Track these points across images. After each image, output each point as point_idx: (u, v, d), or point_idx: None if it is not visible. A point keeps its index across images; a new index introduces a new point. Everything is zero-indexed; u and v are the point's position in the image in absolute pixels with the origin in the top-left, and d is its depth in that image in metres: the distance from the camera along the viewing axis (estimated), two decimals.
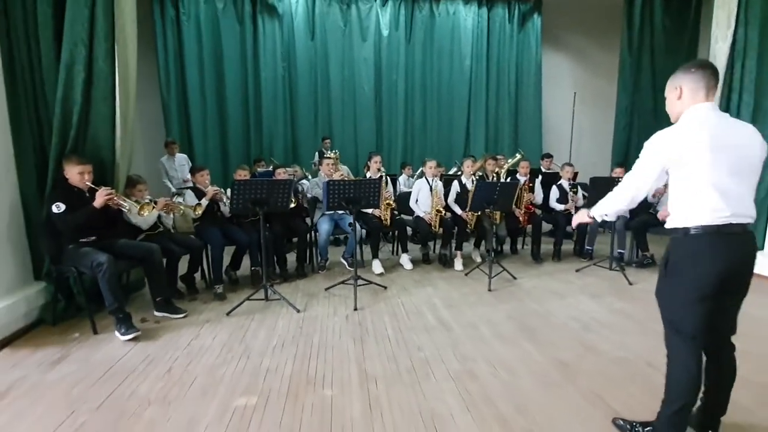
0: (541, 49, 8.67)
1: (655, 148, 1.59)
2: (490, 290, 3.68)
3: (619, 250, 4.58)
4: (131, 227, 3.33)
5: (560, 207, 4.84)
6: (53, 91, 2.95)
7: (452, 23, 8.32)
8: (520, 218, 4.72)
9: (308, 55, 7.94)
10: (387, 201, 4.43)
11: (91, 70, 2.98)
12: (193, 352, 2.59)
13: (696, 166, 1.51)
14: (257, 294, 3.35)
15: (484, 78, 8.54)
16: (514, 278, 4.02)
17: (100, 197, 2.85)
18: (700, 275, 1.54)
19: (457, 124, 8.66)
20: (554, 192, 4.93)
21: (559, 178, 5.00)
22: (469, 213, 4.47)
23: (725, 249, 1.53)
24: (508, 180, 4.77)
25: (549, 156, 6.47)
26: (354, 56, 8.06)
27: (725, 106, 4.11)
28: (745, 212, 1.54)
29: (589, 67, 8.96)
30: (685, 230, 1.57)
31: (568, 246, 5.01)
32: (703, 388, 1.70)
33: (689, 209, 1.56)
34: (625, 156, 6.37)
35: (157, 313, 3.11)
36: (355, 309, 3.24)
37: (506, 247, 5.23)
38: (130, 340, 2.70)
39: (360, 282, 3.63)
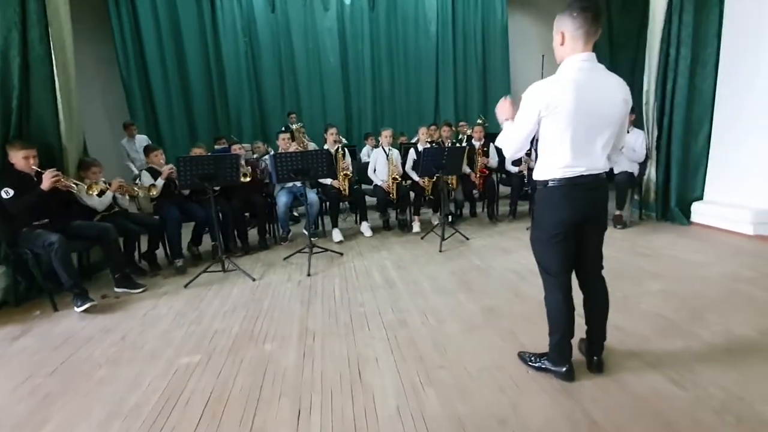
0: (507, 12, 8.61)
1: (530, 98, 1.68)
2: (441, 251, 3.88)
3: None
4: (87, 209, 3.42)
5: (515, 169, 5.00)
6: None
7: None
8: (476, 182, 4.88)
9: (270, 28, 7.83)
10: (345, 172, 4.55)
11: (26, 55, 3.00)
12: (148, 321, 2.76)
13: (558, 119, 1.64)
14: (215, 266, 3.51)
15: (451, 43, 8.52)
16: (467, 239, 4.22)
17: (47, 180, 2.93)
18: (556, 222, 1.74)
19: (426, 91, 8.69)
20: None
21: None
22: (425, 179, 4.62)
23: (577, 198, 1.72)
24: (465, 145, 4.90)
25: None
26: (317, 27, 7.96)
27: (663, 61, 4.24)
28: (597, 166, 1.71)
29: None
30: (544, 182, 1.74)
31: (525, 207, 5.21)
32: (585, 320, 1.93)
33: (548, 162, 1.72)
34: None
35: (117, 290, 3.26)
36: (308, 275, 3.42)
37: (467, 211, 5.42)
38: (85, 311, 2.86)
39: (316, 250, 3.81)
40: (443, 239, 4.03)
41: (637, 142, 4.46)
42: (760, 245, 3.61)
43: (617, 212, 4.42)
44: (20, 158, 2.95)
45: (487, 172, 4.89)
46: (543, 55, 8.72)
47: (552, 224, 1.76)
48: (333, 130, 4.68)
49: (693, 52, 4.08)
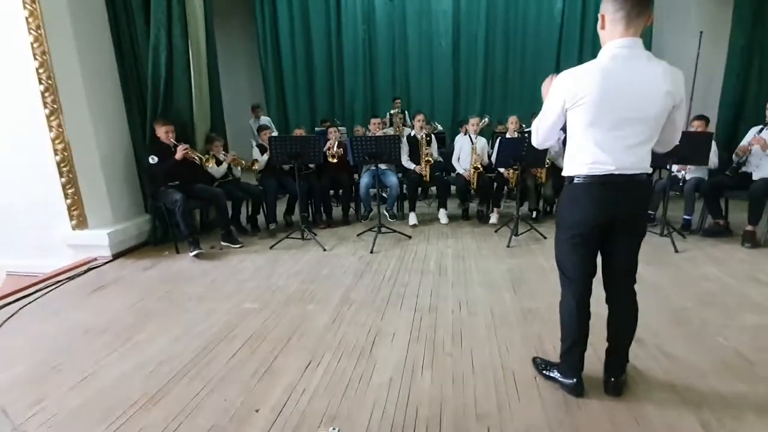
0: None
1: (557, 86, 1.56)
2: (508, 246, 3.74)
3: (685, 216, 4.08)
4: (208, 175, 4.21)
5: None
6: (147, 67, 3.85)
7: None
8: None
9: (387, 16, 8.14)
10: (427, 158, 4.64)
11: (171, 49, 3.80)
12: (234, 270, 3.36)
13: (584, 110, 1.51)
14: (296, 234, 4.01)
15: (579, 22, 7.71)
16: (544, 237, 3.96)
17: (180, 151, 3.72)
18: (577, 222, 1.60)
19: (543, 77, 7.90)
20: None
21: None
22: (510, 170, 4.43)
23: (602, 199, 1.56)
24: None
25: None
26: (432, 10, 7.99)
27: None
28: (631, 165, 1.51)
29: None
30: (570, 179, 1.61)
31: None
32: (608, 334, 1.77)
33: (574, 157, 1.59)
34: (737, 110, 5.31)
35: (222, 243, 3.98)
36: (371, 252, 3.68)
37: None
38: (195, 256, 3.60)
39: (385, 230, 4.04)
40: (515, 234, 3.87)
41: None
42: None
43: (749, 227, 3.62)
44: (162, 132, 3.79)
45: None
46: (701, 32, 7.35)
47: (573, 224, 1.64)
48: (420, 117, 4.78)
49: None
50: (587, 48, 7.76)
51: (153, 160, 3.75)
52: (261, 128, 4.64)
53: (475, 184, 4.53)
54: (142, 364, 2.12)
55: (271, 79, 8.54)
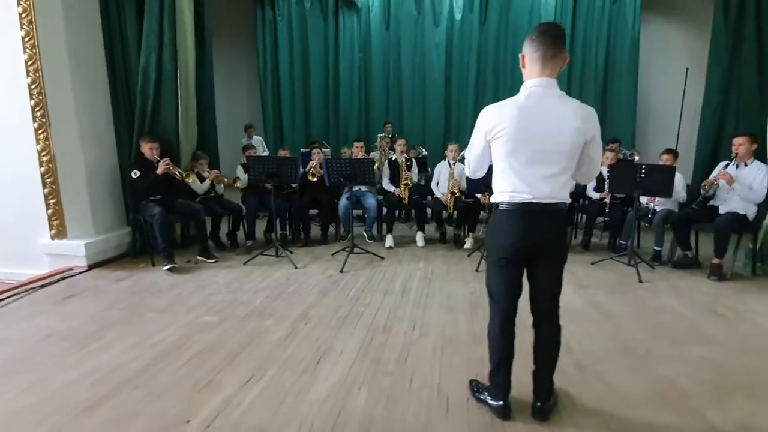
0: (640, 21, 7.65)
1: (479, 120, 1.69)
2: (477, 270, 3.79)
3: (655, 247, 4.13)
4: (191, 191, 4.34)
5: (596, 195, 4.53)
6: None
7: (531, 1, 7.90)
8: None
9: (383, 45, 8.44)
10: (406, 181, 4.76)
11: (160, 72, 3.99)
12: (203, 284, 3.42)
13: (502, 143, 1.62)
14: (271, 251, 4.09)
15: None
16: None
17: (161, 167, 3.86)
18: (501, 246, 1.68)
19: None
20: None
21: None
22: (485, 196, 4.53)
23: (523, 225, 1.64)
24: None
25: (615, 141, 5.87)
26: (425, 43, 8.30)
27: None
28: (548, 195, 1.60)
29: (708, 35, 7.60)
30: (495, 205, 1.70)
31: (604, 240, 4.66)
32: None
33: (498, 187, 1.68)
34: (715, 144, 5.43)
35: (198, 257, 4.07)
36: (341, 271, 3.74)
37: None
38: (168, 269, 3.67)
39: (358, 251, 4.11)
40: (485, 258, 3.92)
41: (756, 179, 3.63)
42: None
43: (715, 260, 3.66)
44: (147, 149, 3.94)
45: None
46: (687, 68, 7.52)
47: (498, 248, 1.72)
48: (401, 142, 4.94)
49: None
50: (575, 82, 8.01)
51: (135, 174, 3.89)
52: (246, 147, 4.79)
53: (451, 208, 4.62)
54: (93, 371, 2.17)
55: (269, 102, 8.82)
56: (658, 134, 7.75)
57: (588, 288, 3.39)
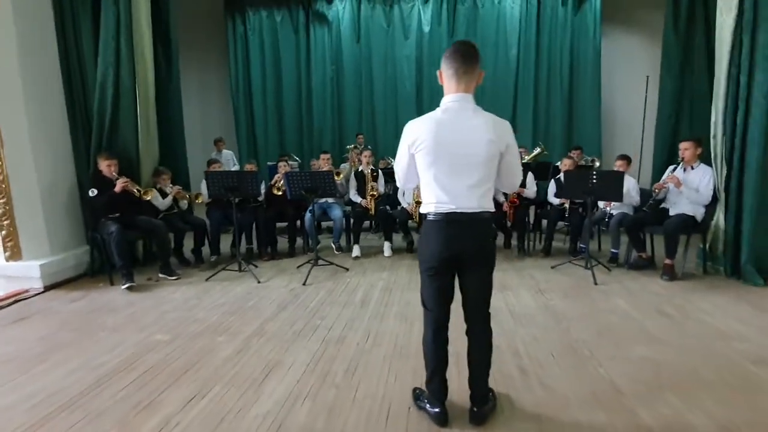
0: (601, 32, 7.94)
1: (403, 134, 1.75)
2: None
3: (612, 250, 4.25)
4: (153, 208, 4.29)
5: (557, 201, 4.64)
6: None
7: (497, 13, 8.16)
8: (506, 212, 4.66)
9: (354, 57, 8.53)
10: (372, 192, 4.80)
11: (118, 87, 3.97)
12: (160, 302, 3.38)
13: (423, 156, 1.67)
14: (234, 266, 4.06)
15: (533, 68, 8.18)
16: None
17: (118, 184, 3.82)
18: (430, 255, 1.72)
19: (501, 116, 8.12)
20: (551, 186, 4.75)
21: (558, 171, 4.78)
22: None
23: (449, 234, 1.69)
24: None
25: (578, 148, 6.03)
26: (396, 54, 8.42)
27: (733, 89, 3.53)
28: (469, 204, 1.66)
29: None
30: (425, 216, 1.75)
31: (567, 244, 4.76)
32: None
33: (425, 198, 1.73)
34: (671, 149, 5.61)
35: (160, 275, 4.01)
36: (304, 284, 3.74)
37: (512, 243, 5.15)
38: (127, 288, 3.61)
39: (322, 263, 4.11)
40: None
41: (702, 182, 3.78)
42: None
43: (667, 261, 3.78)
44: (105, 166, 3.89)
45: (517, 201, 4.62)
46: (648, 77, 7.81)
47: (427, 257, 1.76)
48: (367, 153, 4.99)
49: None
50: (542, 89, 8.24)
51: (93, 192, 3.83)
52: (210, 162, 4.77)
53: (417, 217, 4.67)
54: (32, 395, 2.12)
55: (241, 114, 8.81)
56: (624, 140, 7.97)
57: (545, 292, 3.46)
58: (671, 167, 4.05)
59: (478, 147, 1.63)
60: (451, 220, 1.68)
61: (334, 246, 4.92)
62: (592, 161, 5.84)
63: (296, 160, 6.24)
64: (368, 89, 8.61)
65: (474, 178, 1.65)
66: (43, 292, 3.66)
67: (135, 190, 3.92)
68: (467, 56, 1.64)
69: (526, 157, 6.11)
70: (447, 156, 1.64)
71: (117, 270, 3.73)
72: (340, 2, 8.37)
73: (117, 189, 3.81)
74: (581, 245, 4.47)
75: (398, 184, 1.90)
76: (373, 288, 3.63)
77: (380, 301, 3.33)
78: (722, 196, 3.71)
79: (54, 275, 3.80)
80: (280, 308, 3.21)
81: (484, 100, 8.47)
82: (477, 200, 1.67)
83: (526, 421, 1.86)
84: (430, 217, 1.73)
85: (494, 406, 1.90)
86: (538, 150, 5.88)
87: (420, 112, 8.51)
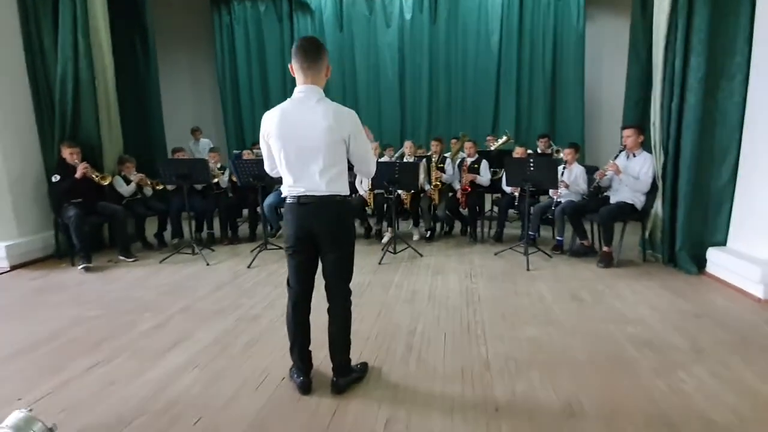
0: (585, 16, 7.77)
1: (261, 124, 1.87)
2: (380, 263, 3.96)
3: (557, 237, 4.29)
4: (116, 194, 4.52)
5: (509, 189, 4.69)
6: None
7: (479, 0, 8.02)
8: (459, 198, 4.73)
9: (337, 46, 8.55)
10: None
11: (77, 80, 4.18)
12: (108, 282, 3.61)
13: (273, 143, 1.79)
14: (188, 249, 4.28)
15: (515, 54, 8.08)
16: (420, 255, 4.18)
17: (79, 170, 4.04)
18: (288, 236, 1.87)
19: (484, 104, 8.40)
20: (504, 174, 4.78)
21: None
22: (403, 192, 4.69)
23: (301, 216, 1.82)
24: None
25: (545, 136, 6.01)
26: (378, 42, 8.42)
27: (670, 73, 3.51)
28: (317, 188, 1.78)
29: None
30: (285, 199, 1.87)
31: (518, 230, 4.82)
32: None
33: (283, 182, 1.85)
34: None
35: (119, 257, 4.25)
36: (249, 267, 3.92)
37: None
38: (84, 268, 3.86)
39: (271, 247, 4.29)
40: (388, 251, 4.11)
41: (642, 169, 3.78)
42: (761, 312, 2.78)
43: (605, 248, 3.82)
44: (67, 153, 4.12)
45: (469, 189, 4.67)
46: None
47: (287, 237, 1.90)
48: None
49: (709, 62, 3.30)
50: (524, 76, 8.14)
51: (55, 178, 4.08)
52: (174, 150, 4.97)
53: (371, 204, 4.79)
54: None
55: (228, 104, 8.98)
56: (609, 126, 7.84)
57: (474, 276, 3.56)
58: (616, 154, 4.04)
59: (318, 133, 1.73)
60: (302, 203, 1.81)
61: None
62: (557, 151, 5.81)
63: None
64: (351, 77, 8.66)
65: (320, 163, 1.76)
66: (8, 271, 3.94)
67: (93, 176, 4.14)
68: (309, 52, 1.75)
69: (493, 145, 6.13)
70: (293, 143, 1.76)
71: (76, 252, 3.98)
72: None
73: (78, 175, 4.04)
74: (530, 232, 4.51)
75: (266, 169, 2.02)
76: None
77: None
78: (660, 183, 3.71)
79: (21, 256, 4.08)
80: (216, 288, 3.40)
81: (467, 87, 8.46)
82: (326, 184, 1.78)
83: (385, 389, 1.99)
84: (288, 200, 1.86)
85: (359, 378, 2.04)
86: (504, 138, 5.88)
87: (402, 99, 8.63)
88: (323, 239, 1.85)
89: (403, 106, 8.63)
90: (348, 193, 1.88)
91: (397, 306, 2.99)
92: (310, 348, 2.01)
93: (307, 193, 1.80)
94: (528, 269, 3.67)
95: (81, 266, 3.88)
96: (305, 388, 1.95)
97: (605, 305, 2.93)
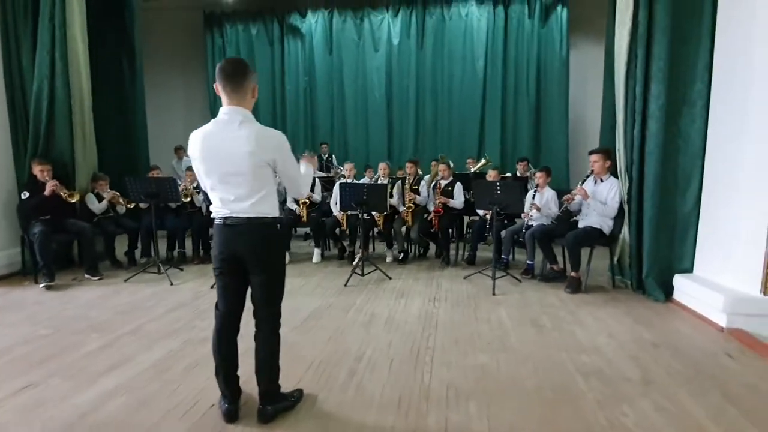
0: (568, 43, 7.93)
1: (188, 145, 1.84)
2: (345, 285, 3.91)
3: (528, 261, 4.24)
4: (87, 211, 4.50)
5: (482, 212, 4.67)
6: None
7: (464, 25, 8.26)
8: (433, 222, 4.71)
9: (326, 69, 8.74)
10: (303, 200, 4.92)
11: (53, 98, 4.23)
12: (66, 301, 3.55)
13: (199, 168, 1.78)
14: (153, 268, 4.23)
15: (500, 78, 8.22)
16: (389, 278, 4.13)
17: (48, 188, 4.04)
18: (214, 256, 1.83)
19: (470, 127, 8.49)
20: None
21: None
22: (376, 213, 4.68)
23: (226, 238, 1.80)
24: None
25: (524, 159, 6.03)
26: (366, 66, 8.59)
27: (631, 100, 3.55)
28: (241, 210, 1.76)
29: None
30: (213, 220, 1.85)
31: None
32: None
33: (212, 203, 1.84)
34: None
35: (85, 275, 4.21)
36: (212, 287, 3.85)
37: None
38: (45, 287, 3.82)
39: None
40: (355, 274, 4.06)
41: (610, 194, 3.77)
42: (722, 342, 2.72)
43: (572, 273, 3.77)
44: (38, 170, 4.13)
45: (441, 211, 4.65)
46: None
47: (214, 258, 1.87)
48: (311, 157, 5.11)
49: (669, 89, 3.33)
50: (509, 101, 8.25)
51: (24, 195, 4.08)
52: (151, 168, 4.98)
53: (345, 225, 4.76)
54: None
55: None
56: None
57: (438, 301, 3.50)
58: (584, 179, 4.03)
59: (239, 158, 1.71)
60: (227, 224, 1.79)
61: None
62: (533, 174, 5.82)
63: None
64: (340, 99, 8.79)
65: (245, 187, 1.74)
66: None
67: (62, 193, 4.13)
68: (231, 74, 1.74)
69: (472, 167, 6.16)
70: (215, 166, 1.74)
71: (39, 269, 3.94)
72: (312, 15, 8.62)
73: (46, 192, 4.03)
74: (503, 257, 4.47)
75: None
76: None
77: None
78: (626, 209, 3.69)
79: None
80: (173, 309, 3.34)
81: (452, 111, 8.56)
82: (251, 206, 1.76)
83: (317, 419, 1.92)
84: (215, 221, 1.83)
85: (290, 406, 1.97)
86: (483, 161, 5.91)
87: (389, 121, 8.72)
88: (249, 262, 1.81)
89: (390, 129, 8.72)
90: (277, 215, 1.86)
91: (351, 330, 2.93)
92: (238, 373, 1.95)
93: (233, 215, 1.78)
94: (494, 294, 3.62)
95: (42, 284, 3.84)
96: (230, 415, 1.88)
97: (564, 332, 2.87)
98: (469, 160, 6.80)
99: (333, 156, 7.97)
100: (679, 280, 3.40)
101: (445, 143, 8.56)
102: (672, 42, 3.30)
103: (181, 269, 4.44)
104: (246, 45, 8.89)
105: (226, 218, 1.78)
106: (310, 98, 8.89)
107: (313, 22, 8.64)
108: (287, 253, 4.76)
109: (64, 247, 4.54)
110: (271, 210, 1.82)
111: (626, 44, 3.47)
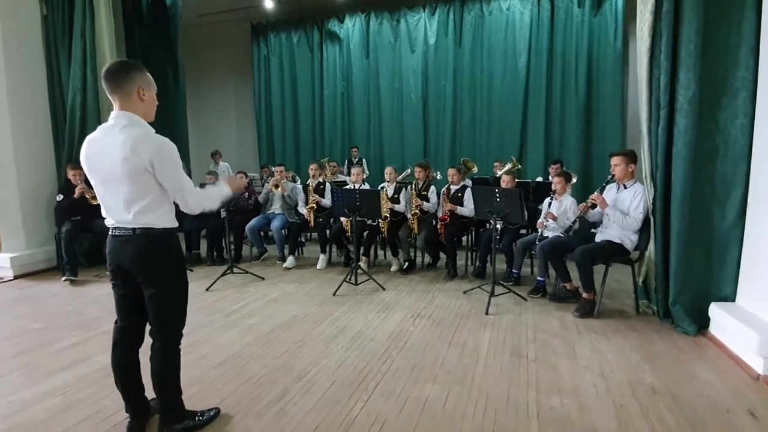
0: (625, 34, 7.07)
1: None
2: (334, 294, 3.76)
3: (539, 278, 3.76)
4: None
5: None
6: None
7: (505, 20, 7.75)
8: (440, 230, 4.39)
9: (363, 72, 8.73)
10: (311, 205, 4.87)
11: (85, 109, 4.63)
12: (76, 296, 3.83)
13: (87, 175, 1.74)
14: None
15: (545, 75, 7.59)
16: (383, 288, 3.91)
17: (77, 191, 4.43)
18: (107, 267, 1.77)
19: (511, 128, 7.92)
20: None
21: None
22: (380, 221, 4.48)
23: (112, 249, 1.74)
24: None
25: (557, 162, 5.43)
26: (402, 67, 8.44)
27: (656, 92, 2.94)
28: (124, 220, 1.69)
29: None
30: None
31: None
32: None
33: None
34: None
35: (106, 272, 4.52)
36: (207, 290, 3.95)
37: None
38: (66, 280, 4.17)
39: (238, 271, 4.30)
40: (349, 283, 3.90)
41: (633, 203, 3.21)
42: (750, 394, 2.14)
43: (584, 294, 3.26)
44: (71, 175, 4.54)
45: (448, 219, 4.31)
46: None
47: (108, 269, 1.81)
48: (313, 166, 5.08)
49: (702, 78, 2.73)
50: (555, 99, 7.56)
51: (59, 197, 4.50)
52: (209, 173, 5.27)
53: (350, 230, 4.63)
54: None
55: (263, 130, 9.50)
56: None
57: (420, 318, 3.22)
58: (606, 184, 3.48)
59: (114, 164, 1.63)
60: (113, 235, 1.73)
61: (278, 255, 5.08)
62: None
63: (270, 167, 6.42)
64: (376, 102, 8.70)
65: (123, 194, 1.66)
66: (11, 279, 4.38)
67: (87, 196, 4.50)
68: (112, 78, 1.66)
69: (499, 171, 5.68)
70: (97, 173, 1.69)
71: (63, 265, 4.32)
72: (350, 20, 8.64)
73: (76, 195, 4.42)
74: (513, 270, 4.03)
75: None
76: (257, 300, 3.68)
77: (252, 313, 3.37)
78: (652, 220, 3.10)
79: (26, 267, 4.53)
80: None
81: (492, 111, 8.05)
82: (133, 216, 1.67)
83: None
84: (109, 232, 1.78)
85: (194, 427, 1.87)
86: (509, 165, 5.43)
87: (425, 123, 8.48)
88: (135, 274, 1.73)
89: (426, 131, 8.45)
90: (167, 225, 1.75)
91: (310, 345, 2.77)
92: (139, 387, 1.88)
93: (117, 225, 1.71)
94: (486, 313, 3.24)
95: (64, 278, 4.19)
96: (131, 429, 1.83)
97: (545, 366, 2.45)
98: (496, 164, 6.31)
99: (363, 160, 7.90)
100: (715, 311, 2.77)
101: (483, 146, 8.09)
102: (706, 20, 2.70)
103: (191, 270, 4.59)
104: (288, 53, 9.16)
105: (113, 228, 1.73)
106: (347, 101, 8.91)
107: (350, 26, 8.66)
108: (291, 258, 4.76)
109: (95, 246, 4.93)
110: (158, 220, 1.71)
111: (648, 25, 2.91)
